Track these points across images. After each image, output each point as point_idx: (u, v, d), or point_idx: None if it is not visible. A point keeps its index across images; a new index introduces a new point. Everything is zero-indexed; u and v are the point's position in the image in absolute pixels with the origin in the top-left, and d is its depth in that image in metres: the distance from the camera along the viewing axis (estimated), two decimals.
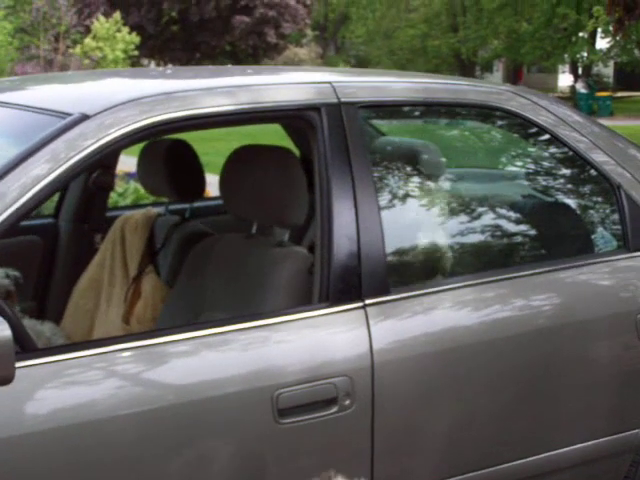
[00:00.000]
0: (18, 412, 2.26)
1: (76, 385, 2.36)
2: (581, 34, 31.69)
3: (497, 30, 33.81)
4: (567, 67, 37.29)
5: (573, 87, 31.99)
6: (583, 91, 28.74)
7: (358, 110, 2.92)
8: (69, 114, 2.55)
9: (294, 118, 2.94)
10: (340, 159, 2.80)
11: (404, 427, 2.79)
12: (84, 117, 2.52)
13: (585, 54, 32.06)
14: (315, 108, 2.83)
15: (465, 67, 37.26)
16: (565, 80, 40.09)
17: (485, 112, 3.41)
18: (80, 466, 2.32)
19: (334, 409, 2.62)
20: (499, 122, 3.61)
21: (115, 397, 2.37)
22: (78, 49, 22.33)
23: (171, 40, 33.65)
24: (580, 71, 33.70)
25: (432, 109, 3.41)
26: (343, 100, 2.88)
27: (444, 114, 3.56)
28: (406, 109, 3.34)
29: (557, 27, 32.60)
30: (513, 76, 40.49)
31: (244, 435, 2.53)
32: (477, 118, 3.66)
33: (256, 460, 2.57)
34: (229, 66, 4.73)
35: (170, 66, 25.34)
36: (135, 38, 22.97)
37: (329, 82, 2.95)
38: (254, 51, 34.02)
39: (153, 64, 29.62)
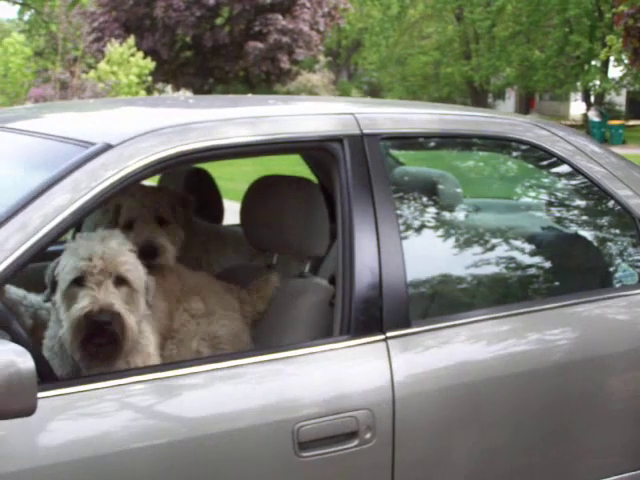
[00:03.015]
0: (37, 444, 2.25)
1: (91, 417, 2.34)
2: (594, 62, 31.74)
3: (510, 58, 33.89)
4: (579, 95, 37.35)
5: (585, 115, 31.99)
6: (595, 119, 28.70)
7: (380, 141, 2.92)
8: (92, 143, 2.55)
9: (316, 149, 2.93)
10: (362, 190, 2.80)
11: (424, 461, 2.77)
12: (107, 147, 2.52)
13: (598, 82, 32.07)
14: (338, 139, 2.83)
15: (477, 94, 37.31)
16: (577, 108, 40.11)
17: (504, 143, 3.41)
18: None
19: (355, 442, 2.60)
20: (518, 153, 3.60)
21: (133, 429, 2.36)
22: (92, 73, 22.45)
23: (185, 65, 33.80)
24: (592, 99, 33.71)
25: (452, 140, 3.41)
26: (365, 131, 2.89)
27: (464, 145, 3.57)
28: (427, 140, 3.34)
29: (570, 55, 32.67)
30: (525, 104, 40.58)
31: (264, 468, 2.51)
32: (496, 149, 3.66)
33: None
34: (249, 95, 4.72)
35: (188, 93, 25.40)
36: (150, 64, 23.07)
37: (351, 113, 2.95)
38: (267, 77, 34.13)
39: (169, 88, 29.73)
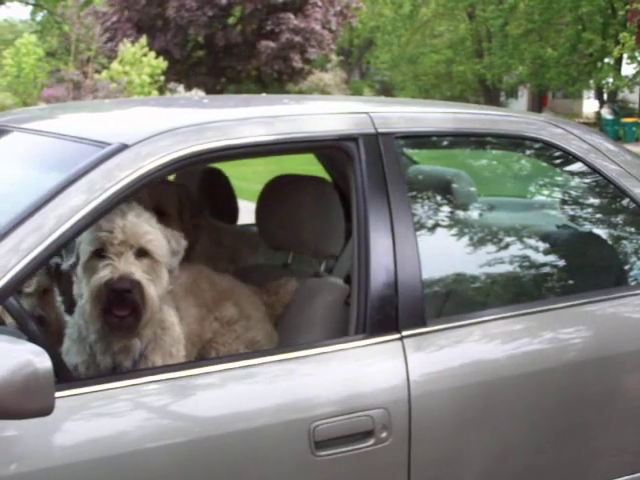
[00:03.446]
0: (52, 443, 2.26)
1: (106, 417, 2.35)
2: (607, 60, 31.61)
3: (522, 56, 33.80)
4: (592, 93, 37.21)
5: (598, 113, 31.88)
6: (609, 117, 28.62)
7: (395, 140, 2.92)
8: (108, 143, 2.55)
9: (331, 148, 2.93)
10: (377, 189, 2.80)
11: (440, 460, 2.77)
12: (123, 147, 2.52)
13: (610, 80, 31.94)
14: (353, 138, 2.83)
15: (490, 93, 37.24)
16: (590, 106, 39.96)
17: (519, 142, 3.40)
18: None
19: (371, 442, 2.60)
20: (533, 152, 3.59)
21: (148, 429, 2.36)
22: (105, 73, 22.52)
23: (197, 65, 33.85)
24: (605, 97, 33.58)
25: (466, 139, 3.40)
26: (380, 130, 2.89)
27: (478, 144, 3.56)
28: (441, 139, 3.34)
29: (582, 53, 32.56)
30: (538, 102, 40.48)
31: (280, 468, 2.51)
32: (510, 148, 3.65)
33: None
34: (264, 95, 4.72)
35: (200, 93, 25.43)
36: (162, 63, 23.12)
37: (366, 112, 2.95)
38: (279, 76, 34.15)
39: (182, 88, 29.75)
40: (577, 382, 3.02)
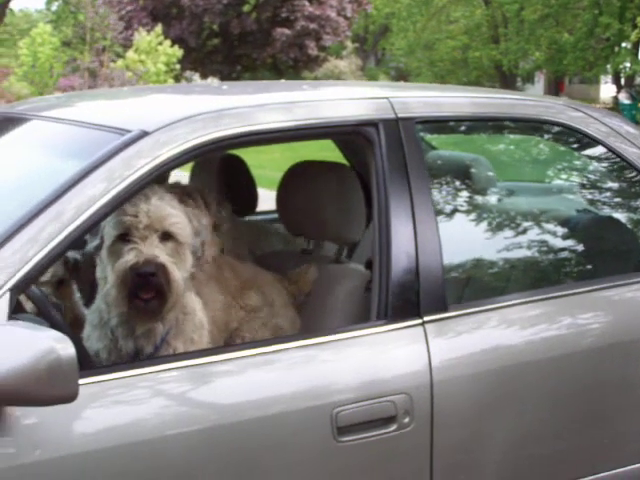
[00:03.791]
0: (72, 431, 2.27)
1: (124, 404, 2.35)
2: (624, 44, 31.39)
3: (538, 41, 33.59)
4: (609, 78, 37.00)
5: (616, 98, 31.68)
6: (626, 102, 28.41)
7: (415, 125, 2.91)
8: (128, 130, 2.55)
9: (351, 134, 2.92)
10: (398, 175, 2.79)
11: (462, 445, 2.77)
12: (144, 134, 2.52)
13: (628, 64, 31.72)
14: (373, 124, 2.82)
15: (506, 79, 37.06)
16: (607, 91, 39.74)
17: (538, 126, 3.38)
18: None
19: (393, 427, 2.60)
20: (552, 136, 3.58)
21: (170, 416, 2.36)
22: (120, 62, 22.52)
23: (212, 53, 33.79)
24: (623, 82, 33.38)
25: (486, 124, 3.39)
26: (400, 115, 2.87)
27: (498, 128, 3.54)
28: (461, 124, 3.32)
29: (599, 37, 32.34)
30: (554, 87, 40.25)
31: (303, 453, 2.52)
32: (530, 132, 3.63)
33: (315, 478, 2.55)
34: (282, 81, 4.72)
35: (216, 81, 25.43)
36: (178, 52, 23.10)
37: (386, 97, 2.94)
38: (295, 63, 34.07)
39: (197, 76, 29.74)
40: (598, 367, 3.01)
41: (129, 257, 2.55)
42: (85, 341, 2.73)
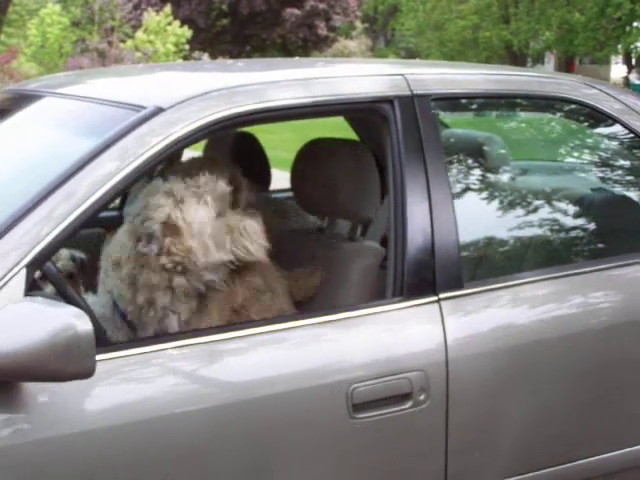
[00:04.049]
0: (84, 408, 2.27)
1: (135, 381, 2.36)
2: (635, 24, 31.23)
3: (549, 21, 33.41)
4: (620, 58, 36.82)
5: (627, 78, 31.60)
6: (637, 82, 28.38)
7: (431, 102, 2.89)
8: (143, 107, 2.53)
9: (367, 111, 2.90)
10: (413, 152, 2.77)
11: (478, 422, 2.77)
12: (159, 110, 2.50)
13: (639, 44, 31.59)
14: (388, 100, 2.80)
15: (516, 59, 36.88)
16: (618, 71, 39.54)
17: (553, 103, 3.36)
18: (143, 464, 2.32)
19: (409, 404, 2.60)
20: (566, 113, 3.56)
21: (183, 394, 2.37)
22: (129, 43, 22.50)
23: (221, 33, 33.75)
24: (634, 62, 33.23)
25: (502, 101, 3.38)
26: (416, 92, 2.86)
27: (514, 106, 3.52)
28: (477, 101, 3.31)
29: (611, 17, 32.16)
30: (565, 67, 40.08)
31: (318, 431, 2.52)
32: (545, 109, 3.61)
33: (330, 456, 2.55)
34: (296, 58, 4.69)
35: (224, 59, 25.39)
36: (187, 32, 23.06)
37: (401, 74, 2.92)
38: (304, 44, 34.01)
39: (206, 56, 29.71)
40: (611, 346, 3.01)
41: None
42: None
